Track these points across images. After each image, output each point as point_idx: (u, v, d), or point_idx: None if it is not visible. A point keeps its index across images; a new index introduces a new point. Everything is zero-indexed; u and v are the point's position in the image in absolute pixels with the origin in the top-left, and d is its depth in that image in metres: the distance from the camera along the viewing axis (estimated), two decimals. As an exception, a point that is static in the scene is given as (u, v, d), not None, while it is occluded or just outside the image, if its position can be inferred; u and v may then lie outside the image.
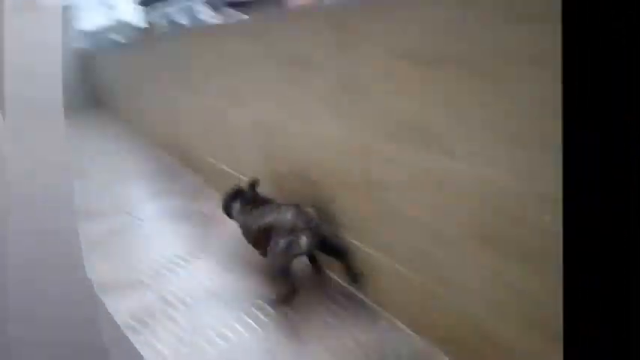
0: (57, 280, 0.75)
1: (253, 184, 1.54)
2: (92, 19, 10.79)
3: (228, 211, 1.59)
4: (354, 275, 1.32)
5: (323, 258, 1.46)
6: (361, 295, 1.43)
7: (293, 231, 1.22)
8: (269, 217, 1.33)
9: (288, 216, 1.27)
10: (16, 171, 0.68)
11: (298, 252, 1.25)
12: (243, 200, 1.51)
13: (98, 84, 5.85)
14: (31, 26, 0.73)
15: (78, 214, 1.10)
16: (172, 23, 13.04)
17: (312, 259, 1.46)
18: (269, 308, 1.44)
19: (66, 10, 5.44)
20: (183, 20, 11.25)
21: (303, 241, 1.22)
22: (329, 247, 1.30)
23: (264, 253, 1.39)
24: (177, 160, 3.35)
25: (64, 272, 0.77)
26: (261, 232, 1.35)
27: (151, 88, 3.68)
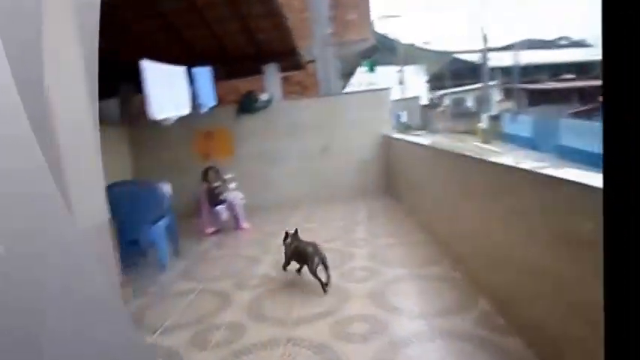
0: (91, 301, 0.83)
1: (296, 231, 3.02)
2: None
3: (284, 242, 3.04)
4: (328, 280, 2.69)
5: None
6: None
7: (311, 255, 2.70)
8: (300, 248, 2.88)
9: (309, 248, 2.75)
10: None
11: (317, 265, 2.70)
12: (291, 238, 3.04)
13: (392, 167, 5.37)
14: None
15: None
16: (456, 103, 25.25)
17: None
18: None
19: (387, 92, 5.98)
20: (470, 102, 25.27)
21: (316, 260, 2.68)
22: (324, 265, 2.74)
23: (284, 267, 3.00)
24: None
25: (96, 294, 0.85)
26: (293, 255, 2.92)
27: (431, 184, 3.56)
